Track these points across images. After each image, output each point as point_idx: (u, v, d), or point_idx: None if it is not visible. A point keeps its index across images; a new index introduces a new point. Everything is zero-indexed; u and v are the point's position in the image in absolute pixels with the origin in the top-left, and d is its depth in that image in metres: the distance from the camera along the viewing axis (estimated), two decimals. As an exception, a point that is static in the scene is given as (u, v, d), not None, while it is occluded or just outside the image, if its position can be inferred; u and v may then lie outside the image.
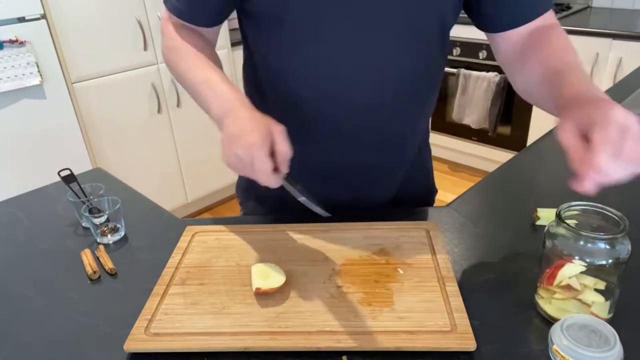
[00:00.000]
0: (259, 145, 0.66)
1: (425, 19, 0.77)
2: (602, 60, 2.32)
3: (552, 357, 0.55)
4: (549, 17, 0.81)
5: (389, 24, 0.76)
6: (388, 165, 0.92)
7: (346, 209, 0.89)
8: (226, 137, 0.70)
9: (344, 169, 0.90)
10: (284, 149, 0.68)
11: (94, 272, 0.78)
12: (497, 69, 2.65)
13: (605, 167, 0.51)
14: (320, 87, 0.81)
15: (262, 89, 0.88)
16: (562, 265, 0.61)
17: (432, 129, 3.08)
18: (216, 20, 0.85)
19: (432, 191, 1.06)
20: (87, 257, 0.81)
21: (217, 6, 0.82)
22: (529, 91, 0.79)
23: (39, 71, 1.94)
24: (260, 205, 1.00)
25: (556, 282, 0.62)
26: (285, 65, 0.81)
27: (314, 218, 0.86)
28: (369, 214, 0.87)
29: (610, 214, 0.60)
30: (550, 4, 0.80)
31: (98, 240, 0.87)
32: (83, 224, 0.92)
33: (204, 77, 0.78)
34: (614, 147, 0.51)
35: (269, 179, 0.67)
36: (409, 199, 0.97)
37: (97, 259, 0.82)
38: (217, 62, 0.85)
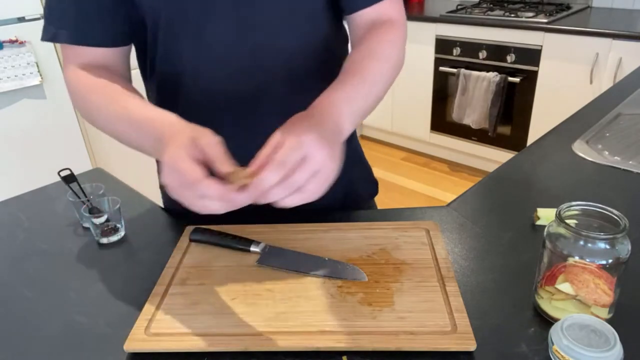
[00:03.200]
0: (181, 154, 0.56)
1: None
2: (602, 60, 2.32)
3: (552, 357, 0.55)
4: (391, 10, 0.80)
5: (267, 5, 0.75)
6: None
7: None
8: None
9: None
10: (211, 141, 0.58)
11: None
12: (497, 69, 2.65)
13: (264, 184, 0.53)
14: (210, 77, 0.79)
15: (166, 97, 0.85)
16: (563, 267, 0.61)
17: (432, 128, 3.08)
18: (114, 38, 0.78)
19: (374, 183, 1.04)
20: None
21: (108, 19, 0.76)
22: None
23: (39, 71, 1.94)
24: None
25: (557, 283, 0.62)
26: (176, 65, 0.80)
27: (313, 218, 0.86)
28: (369, 214, 0.87)
29: (610, 214, 0.60)
30: None
31: (98, 240, 0.87)
32: (83, 224, 0.92)
33: (122, 112, 0.69)
34: (282, 170, 0.54)
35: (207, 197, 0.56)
36: (348, 196, 0.95)
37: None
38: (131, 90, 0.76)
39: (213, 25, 0.76)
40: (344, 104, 0.66)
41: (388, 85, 0.75)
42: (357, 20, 0.81)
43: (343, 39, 0.88)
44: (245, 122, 0.84)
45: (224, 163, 0.57)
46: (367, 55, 0.74)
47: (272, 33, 0.78)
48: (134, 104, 0.70)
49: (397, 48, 0.78)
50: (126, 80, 0.80)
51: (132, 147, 0.71)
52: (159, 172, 0.95)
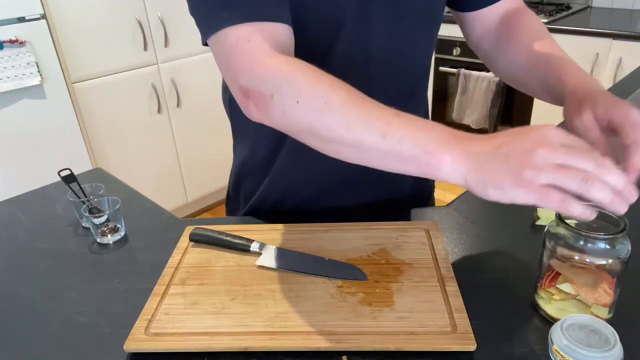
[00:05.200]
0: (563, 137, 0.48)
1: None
2: (602, 60, 2.32)
3: (552, 357, 0.55)
4: (518, 2, 0.83)
5: (409, 10, 0.75)
6: None
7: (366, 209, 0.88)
8: (499, 161, 0.48)
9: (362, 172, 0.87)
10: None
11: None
12: (497, 69, 2.65)
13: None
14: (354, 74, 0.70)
15: None
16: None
17: (432, 129, 3.08)
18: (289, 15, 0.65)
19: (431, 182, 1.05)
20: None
21: None
22: (513, 76, 0.81)
23: (39, 71, 1.94)
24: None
25: (557, 283, 0.62)
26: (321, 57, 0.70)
27: (312, 218, 0.86)
28: (369, 214, 0.87)
29: (610, 214, 0.60)
30: None
31: (98, 240, 0.87)
32: (83, 224, 0.92)
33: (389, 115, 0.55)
34: None
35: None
36: (411, 193, 0.96)
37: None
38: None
39: (370, 31, 0.73)
40: (595, 85, 0.67)
41: None
42: (491, 13, 0.83)
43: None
44: None
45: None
46: (546, 40, 0.76)
47: (411, 38, 0.78)
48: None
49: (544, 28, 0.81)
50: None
51: (377, 150, 0.55)
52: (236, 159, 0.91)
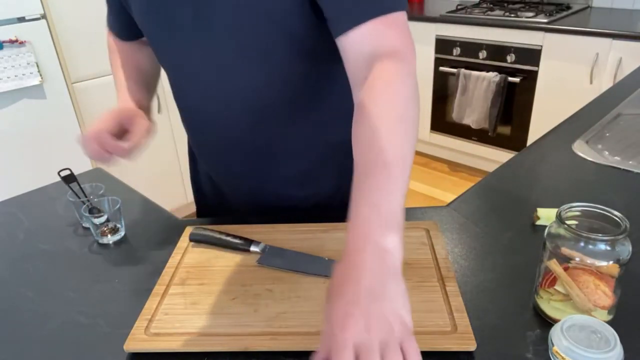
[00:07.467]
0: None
1: (260, 27, 0.70)
2: (602, 60, 2.32)
3: (552, 358, 0.55)
4: (391, 39, 0.63)
5: (222, 39, 0.73)
6: (266, 174, 0.90)
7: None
8: None
9: (237, 179, 0.93)
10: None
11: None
12: (497, 69, 2.65)
13: None
14: (182, 106, 0.91)
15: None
16: (563, 268, 0.60)
17: (432, 128, 3.08)
18: (135, 34, 0.93)
19: None
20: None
21: (124, 18, 0.89)
22: None
23: (39, 71, 1.93)
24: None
25: (557, 285, 0.62)
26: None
27: (312, 218, 0.86)
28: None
29: (611, 215, 0.60)
30: (378, 10, 0.62)
31: (98, 240, 0.87)
32: (83, 224, 0.92)
33: (118, 79, 0.98)
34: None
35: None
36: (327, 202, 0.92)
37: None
38: (141, 66, 0.98)
39: (175, 44, 0.79)
40: (377, 222, 0.52)
41: (412, 143, 0.59)
42: (351, 54, 0.64)
43: (326, 55, 0.74)
44: (209, 144, 0.91)
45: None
46: (377, 127, 0.58)
47: (232, 52, 0.74)
48: (123, 75, 0.99)
49: (404, 96, 0.61)
50: (143, 48, 0.98)
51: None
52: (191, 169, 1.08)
